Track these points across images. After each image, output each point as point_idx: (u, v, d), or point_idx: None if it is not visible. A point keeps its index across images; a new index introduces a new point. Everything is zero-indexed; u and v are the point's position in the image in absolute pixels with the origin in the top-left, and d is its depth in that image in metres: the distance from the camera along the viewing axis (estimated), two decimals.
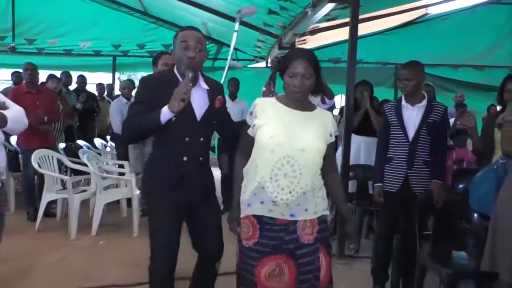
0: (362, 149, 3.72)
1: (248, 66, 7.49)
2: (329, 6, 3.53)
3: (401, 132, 2.58)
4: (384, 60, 7.38)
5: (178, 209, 2.15)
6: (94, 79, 7.03)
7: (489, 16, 6.76)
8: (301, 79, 1.84)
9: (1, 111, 1.81)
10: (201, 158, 2.17)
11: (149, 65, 7.70)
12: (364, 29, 6.40)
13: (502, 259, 2.03)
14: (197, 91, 2.10)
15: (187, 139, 2.10)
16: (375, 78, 7.30)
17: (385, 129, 2.67)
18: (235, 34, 3.15)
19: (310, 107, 1.97)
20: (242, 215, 1.94)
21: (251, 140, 1.96)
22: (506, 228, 2.00)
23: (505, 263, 2.01)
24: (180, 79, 2.08)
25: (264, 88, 3.12)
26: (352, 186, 3.70)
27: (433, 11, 5.56)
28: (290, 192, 1.86)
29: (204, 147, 2.19)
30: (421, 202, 2.53)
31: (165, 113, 1.95)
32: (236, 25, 3.31)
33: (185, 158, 2.11)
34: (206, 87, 2.14)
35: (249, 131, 1.97)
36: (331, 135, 1.95)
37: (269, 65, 6.93)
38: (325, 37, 6.14)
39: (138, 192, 3.38)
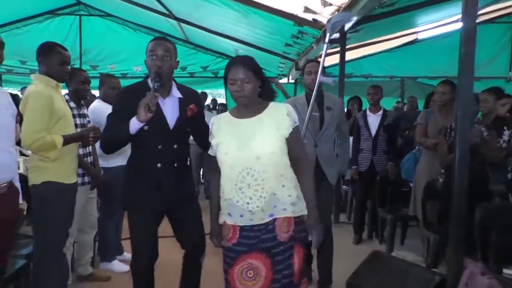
0: None
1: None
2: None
3: (367, 131, 4.12)
4: (391, 74, 8.73)
5: (155, 211, 2.27)
6: None
7: (486, 33, 7.46)
8: (241, 83, 1.86)
9: None
10: (175, 165, 2.24)
11: (189, 83, 9.39)
12: (373, 48, 7.86)
13: (419, 207, 3.53)
14: (169, 100, 2.19)
15: (160, 146, 2.18)
16: (384, 89, 8.73)
17: (356, 130, 4.22)
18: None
19: (260, 108, 1.95)
20: (221, 221, 2.00)
21: (215, 160, 2.00)
22: (420, 187, 3.49)
23: (420, 208, 3.50)
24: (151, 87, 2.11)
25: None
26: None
27: (422, 36, 6.96)
28: (259, 199, 1.88)
29: (178, 154, 2.26)
30: (381, 177, 4.06)
31: (134, 123, 2.02)
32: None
33: (159, 165, 2.19)
34: (179, 95, 2.21)
35: (210, 151, 2.03)
36: (287, 127, 1.92)
37: (290, 80, 8.31)
38: (336, 57, 7.64)
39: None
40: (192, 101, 2.26)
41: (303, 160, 2.01)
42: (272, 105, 1.98)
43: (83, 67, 8.49)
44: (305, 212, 1.95)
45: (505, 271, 2.31)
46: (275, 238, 1.89)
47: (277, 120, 1.92)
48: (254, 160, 1.87)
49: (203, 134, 2.17)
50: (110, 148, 2.27)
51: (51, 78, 2.43)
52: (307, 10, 4.10)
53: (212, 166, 2.05)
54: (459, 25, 6.47)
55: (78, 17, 8.28)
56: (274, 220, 1.90)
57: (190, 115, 2.22)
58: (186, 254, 2.42)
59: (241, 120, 1.94)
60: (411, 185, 3.87)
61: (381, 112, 4.14)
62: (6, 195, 2.15)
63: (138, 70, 8.72)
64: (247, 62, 1.91)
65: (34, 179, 2.40)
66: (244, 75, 1.86)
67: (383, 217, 3.98)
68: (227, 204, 1.94)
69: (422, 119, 3.47)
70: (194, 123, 2.27)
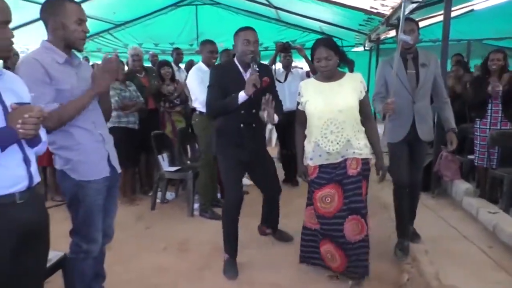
0: None
1: (351, 50, 10.57)
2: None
3: None
4: (458, 37, 9.75)
5: (240, 162, 2.82)
6: None
7: None
8: (325, 61, 2.39)
9: None
10: (254, 125, 2.77)
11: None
12: (439, 17, 9.53)
13: None
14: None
15: (242, 111, 2.70)
16: (451, 52, 10.30)
17: None
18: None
19: (340, 76, 2.49)
20: (305, 163, 2.61)
21: (302, 113, 2.54)
22: None
23: None
24: (240, 67, 2.72)
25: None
26: None
27: (478, 7, 8.50)
28: (338, 143, 2.44)
29: (256, 116, 2.70)
30: None
31: (242, 97, 2.56)
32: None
33: (242, 125, 2.74)
34: (257, 69, 2.66)
35: (299, 107, 2.56)
36: (361, 91, 2.48)
37: (366, 48, 10.07)
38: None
39: None
40: (266, 74, 2.76)
41: (372, 120, 2.69)
42: (348, 74, 2.59)
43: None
44: (369, 157, 2.55)
45: (469, 156, 4.72)
46: (345, 173, 2.52)
47: (353, 85, 2.53)
48: (336, 113, 2.43)
49: (275, 97, 2.64)
50: (217, 114, 2.86)
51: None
52: (372, 7, 6.42)
53: (299, 119, 2.61)
54: None
55: (194, 6, 10.44)
56: (345, 160, 2.51)
57: (264, 86, 2.67)
58: (266, 195, 3.07)
59: (325, 84, 2.51)
60: None
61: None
62: None
63: None
64: (328, 43, 2.43)
65: None
66: (326, 54, 2.41)
67: None
68: (312, 145, 2.51)
69: None
70: (269, 91, 2.69)
